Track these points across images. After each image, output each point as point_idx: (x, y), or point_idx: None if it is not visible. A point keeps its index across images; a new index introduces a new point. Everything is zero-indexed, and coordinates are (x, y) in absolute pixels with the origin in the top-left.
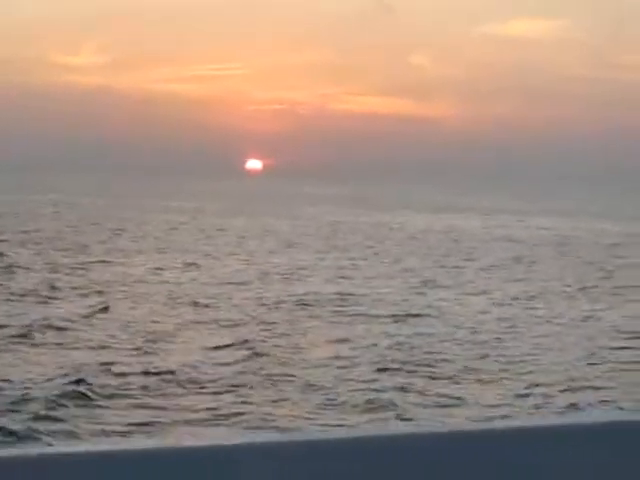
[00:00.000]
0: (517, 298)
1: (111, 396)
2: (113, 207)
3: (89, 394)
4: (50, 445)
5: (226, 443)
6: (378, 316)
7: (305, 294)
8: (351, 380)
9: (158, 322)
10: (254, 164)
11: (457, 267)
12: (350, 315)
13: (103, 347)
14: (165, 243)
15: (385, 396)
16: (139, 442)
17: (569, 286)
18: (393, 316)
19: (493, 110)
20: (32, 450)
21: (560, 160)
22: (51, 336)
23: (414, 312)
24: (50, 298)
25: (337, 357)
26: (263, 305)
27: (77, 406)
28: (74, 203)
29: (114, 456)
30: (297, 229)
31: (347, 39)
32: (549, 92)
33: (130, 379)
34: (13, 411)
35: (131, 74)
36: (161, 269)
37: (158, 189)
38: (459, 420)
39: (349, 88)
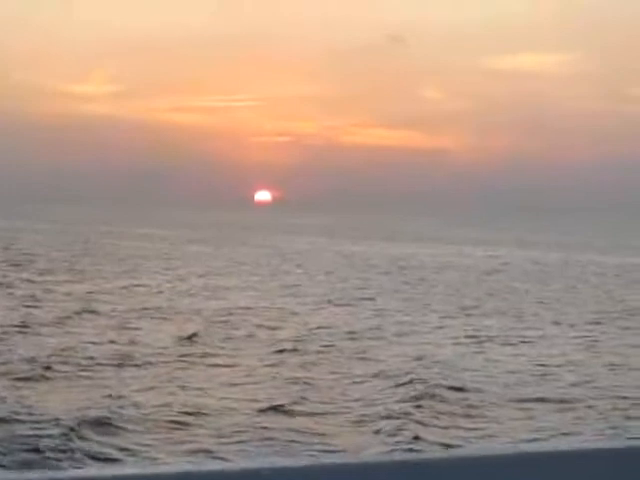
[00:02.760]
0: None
1: None
2: (94, 235)
3: None
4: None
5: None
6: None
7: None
8: None
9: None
10: (263, 195)
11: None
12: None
13: None
14: (115, 267)
15: None
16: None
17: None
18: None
19: (502, 143)
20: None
21: (570, 192)
22: None
23: None
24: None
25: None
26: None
27: None
28: (63, 231)
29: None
30: (252, 257)
31: (356, 71)
32: (558, 125)
33: None
34: None
35: (139, 103)
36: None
37: (152, 219)
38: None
39: (357, 120)
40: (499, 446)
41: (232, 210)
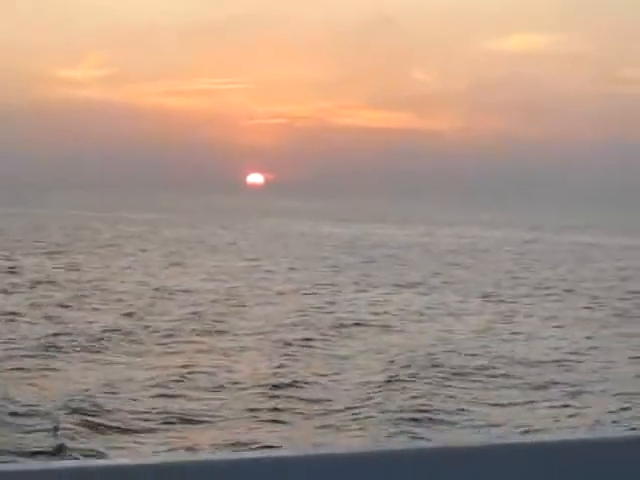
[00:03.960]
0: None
1: None
2: (78, 219)
3: None
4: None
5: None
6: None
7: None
8: None
9: None
10: (256, 178)
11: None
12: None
13: None
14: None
15: None
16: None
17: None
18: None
19: (494, 124)
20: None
21: (560, 174)
22: None
23: None
24: None
25: None
26: None
27: None
28: (59, 216)
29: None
30: (224, 238)
31: (347, 53)
32: (550, 106)
33: None
34: None
35: (130, 88)
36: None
37: (142, 203)
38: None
39: (350, 102)
40: (494, 438)
41: (225, 193)
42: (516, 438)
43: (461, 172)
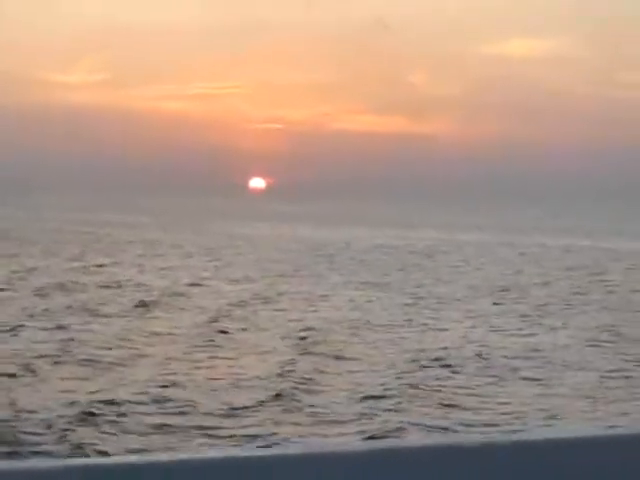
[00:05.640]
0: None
1: None
2: (70, 223)
3: None
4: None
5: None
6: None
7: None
8: None
9: None
10: (256, 183)
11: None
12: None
13: None
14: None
15: None
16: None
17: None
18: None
19: (490, 128)
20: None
21: (557, 177)
22: None
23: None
24: None
25: None
26: None
27: None
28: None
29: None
30: (191, 242)
31: (345, 58)
32: (546, 110)
33: None
34: None
35: (126, 92)
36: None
37: (136, 207)
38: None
39: (347, 107)
40: (494, 436)
41: (224, 197)
42: (517, 437)
43: (457, 176)
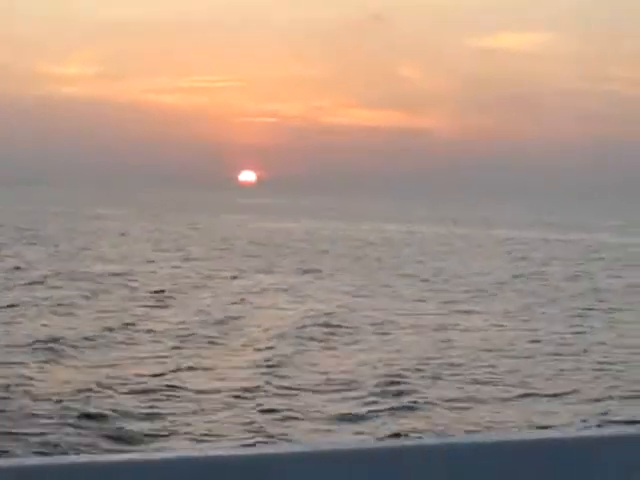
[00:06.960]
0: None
1: None
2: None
3: None
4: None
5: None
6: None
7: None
8: None
9: None
10: (247, 176)
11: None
12: None
13: None
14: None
15: None
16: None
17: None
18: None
19: (482, 122)
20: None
21: (548, 172)
22: None
23: None
24: None
25: None
26: None
27: None
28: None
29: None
30: (168, 235)
31: (338, 51)
32: (538, 104)
33: None
34: None
35: (122, 85)
36: None
37: (127, 199)
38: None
39: (341, 101)
40: (494, 436)
41: (214, 190)
42: (517, 435)
43: (451, 169)
